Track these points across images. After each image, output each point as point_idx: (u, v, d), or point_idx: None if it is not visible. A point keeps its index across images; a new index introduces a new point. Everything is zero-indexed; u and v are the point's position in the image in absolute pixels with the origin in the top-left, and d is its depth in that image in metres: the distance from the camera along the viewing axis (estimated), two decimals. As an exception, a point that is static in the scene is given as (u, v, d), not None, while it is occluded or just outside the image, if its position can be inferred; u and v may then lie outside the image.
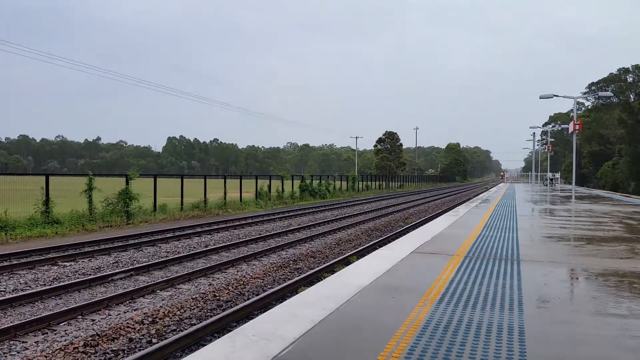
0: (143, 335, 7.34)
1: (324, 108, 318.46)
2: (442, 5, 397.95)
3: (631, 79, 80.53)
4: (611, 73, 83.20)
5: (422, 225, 20.38)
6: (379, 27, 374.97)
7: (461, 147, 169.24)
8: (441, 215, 20.54)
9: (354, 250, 14.24)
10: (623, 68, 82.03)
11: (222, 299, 9.44)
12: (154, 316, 8.16)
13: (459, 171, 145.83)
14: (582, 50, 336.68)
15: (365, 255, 13.87)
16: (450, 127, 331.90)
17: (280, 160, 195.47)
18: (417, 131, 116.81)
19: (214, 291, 9.84)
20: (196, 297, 9.36)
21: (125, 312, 8.43)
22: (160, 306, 8.73)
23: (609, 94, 50.14)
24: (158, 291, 9.87)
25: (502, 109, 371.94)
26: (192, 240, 16.52)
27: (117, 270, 11.30)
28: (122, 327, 7.53)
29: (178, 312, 8.45)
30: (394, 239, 16.98)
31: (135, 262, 12.86)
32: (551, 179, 52.51)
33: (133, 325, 7.70)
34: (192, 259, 13.20)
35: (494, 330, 4.04)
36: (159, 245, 15.56)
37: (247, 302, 8.61)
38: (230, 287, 10.19)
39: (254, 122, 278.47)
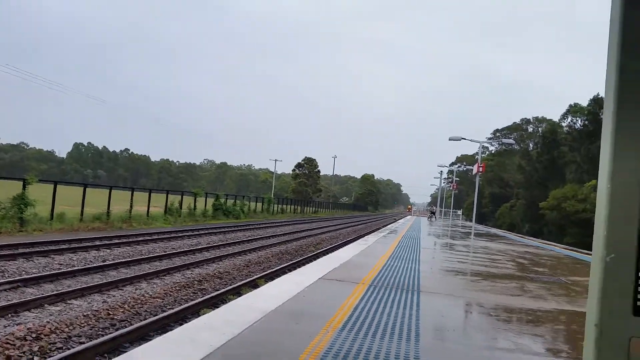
0: (24, 352, 6.67)
1: (245, 128, 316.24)
2: (368, 39, 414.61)
3: (531, 129, 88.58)
4: (515, 122, 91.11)
5: (332, 251, 20.64)
6: (303, 52, 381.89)
7: (375, 178, 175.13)
8: (352, 242, 20.96)
9: (263, 273, 14.06)
10: (525, 118, 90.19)
11: (116, 317, 8.85)
12: (39, 332, 7.45)
13: (372, 201, 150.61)
14: (494, 95, 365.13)
15: (274, 278, 13.76)
16: (367, 158, 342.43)
17: (196, 176, 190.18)
18: (335, 159, 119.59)
19: (108, 309, 9.21)
20: (88, 314, 8.70)
21: (5, 327, 7.64)
22: (47, 322, 8.01)
23: (511, 141, 54.62)
24: (46, 305, 9.06)
25: (415, 145, 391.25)
26: (89, 254, 15.46)
27: (1, 281, 10.28)
28: (1, 344, 6.80)
29: (66, 329, 7.79)
30: (304, 264, 17.02)
31: (23, 272, 11.78)
32: (432, 212, 57.41)
33: (13, 341, 6.97)
34: (87, 273, 12.32)
35: (391, 360, 4.11)
36: (52, 256, 14.39)
37: (143, 322, 8.15)
38: (126, 306, 9.59)
39: (171, 135, 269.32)
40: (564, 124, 68.14)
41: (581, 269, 13.63)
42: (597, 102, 56.65)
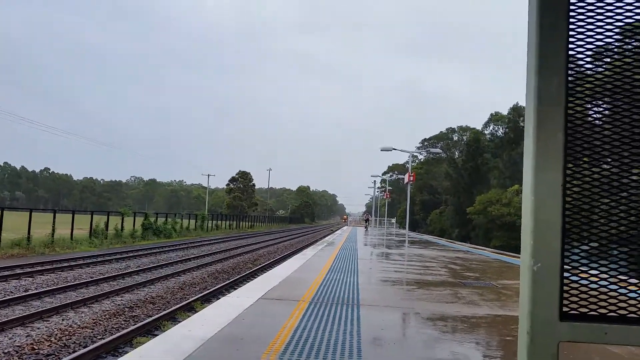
0: None
1: (175, 142, 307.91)
2: (296, 52, 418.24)
3: (456, 138, 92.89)
4: (441, 131, 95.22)
5: (271, 267, 20.46)
6: (233, 63, 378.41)
7: (311, 190, 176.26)
8: (290, 257, 20.89)
9: (199, 295, 13.65)
10: (451, 128, 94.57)
11: (42, 352, 8.26)
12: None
13: (308, 213, 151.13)
14: (421, 105, 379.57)
15: (212, 300, 13.43)
16: (302, 170, 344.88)
17: (122, 195, 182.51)
18: (269, 172, 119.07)
19: (32, 343, 8.58)
20: (9, 351, 8.05)
21: None
22: (-39, 365, 7.33)
23: (438, 150, 56.81)
24: (-40, 345, 8.30)
25: (349, 156, 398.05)
26: (9, 284, 14.34)
27: None
28: None
29: (-17, 372, 7.16)
30: (242, 283, 16.74)
31: None
32: (366, 220, 59.45)
33: None
34: (7, 305, 11.41)
35: (335, 381, 4.10)
36: (-35, 289, 13.21)
37: (72, 355, 7.64)
38: (52, 338, 8.98)
39: (93, 152, 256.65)
40: (486, 132, 72.07)
41: (509, 272, 14.35)
42: (516, 110, 60.48)
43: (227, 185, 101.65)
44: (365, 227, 55.38)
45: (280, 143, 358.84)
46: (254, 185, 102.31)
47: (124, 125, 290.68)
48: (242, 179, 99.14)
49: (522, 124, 56.46)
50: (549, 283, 1.13)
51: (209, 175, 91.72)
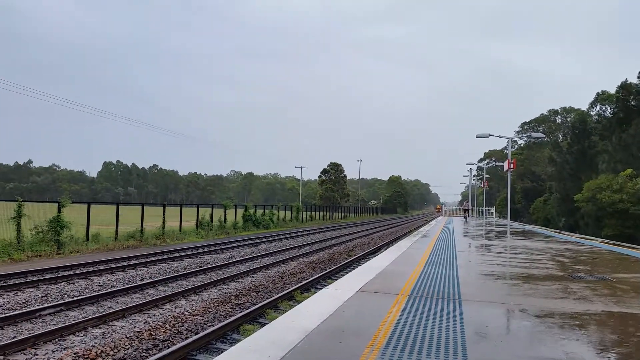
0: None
1: (269, 137, 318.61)
2: (382, 40, 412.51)
3: (559, 120, 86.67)
4: (542, 114, 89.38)
5: (366, 258, 20.56)
6: (315, 57, 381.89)
7: (402, 179, 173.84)
8: (385, 249, 20.83)
9: (298, 285, 14.06)
10: (553, 109, 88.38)
11: (158, 337, 8.98)
12: (86, 356, 7.63)
13: (400, 203, 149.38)
14: (516, 89, 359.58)
15: (310, 289, 13.78)
16: (393, 160, 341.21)
17: (223, 188, 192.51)
18: (360, 163, 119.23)
19: (149, 329, 9.36)
20: (131, 336, 8.85)
21: (54, 352, 7.85)
22: (93, 345, 8.20)
23: (541, 135, 53.30)
24: (90, 328, 9.30)
25: (441, 143, 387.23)
26: (126, 273, 15.76)
27: (45, 305, 10.58)
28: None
29: (111, 352, 7.94)
30: (338, 273, 16.99)
31: (65, 296, 12.11)
32: (465, 210, 52.67)
33: (61, 368, 7.16)
34: (126, 293, 12.57)
35: (440, 379, 4.03)
36: (91, 278, 14.74)
37: (186, 341, 8.23)
38: (167, 325, 9.73)
39: (196, 149, 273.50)
40: (592, 113, 66.36)
41: (625, 264, 13.18)
42: (625, 88, 54.97)
43: (319, 176, 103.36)
44: (465, 218, 51.48)
45: (372, 134, 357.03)
46: (345, 176, 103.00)
47: (219, 122, 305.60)
48: (334, 171, 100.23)
49: (633, 102, 51.27)
50: None
51: (301, 167, 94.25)
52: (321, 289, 10.99)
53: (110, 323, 9.76)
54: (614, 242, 24.41)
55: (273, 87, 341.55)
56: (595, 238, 28.82)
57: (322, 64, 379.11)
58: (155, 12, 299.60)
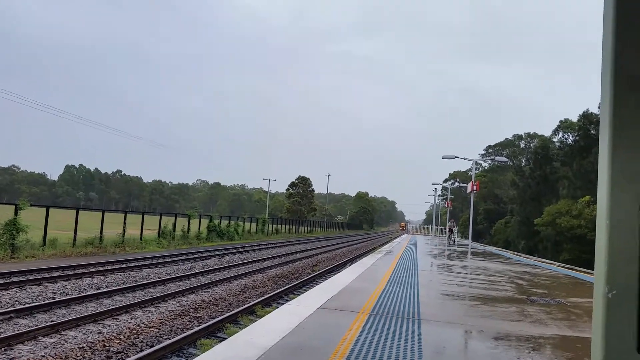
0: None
1: (237, 147, 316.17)
2: (351, 56, 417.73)
3: (523, 145, 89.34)
4: (507, 138, 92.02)
5: (330, 274, 20.52)
6: (290, 71, 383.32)
7: (369, 196, 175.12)
8: (349, 264, 20.86)
9: (259, 299, 13.88)
10: (517, 134, 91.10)
11: (112, 349, 8.68)
12: (31, 370, 7.29)
13: (367, 219, 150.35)
14: (483, 111, 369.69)
15: (271, 304, 13.63)
16: (360, 176, 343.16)
17: (189, 197, 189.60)
18: (329, 177, 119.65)
19: (103, 340, 9.04)
20: (83, 347, 8.53)
21: (-2, 363, 7.48)
22: (42, 355, 7.85)
23: (504, 159, 54.55)
24: (40, 337, 8.91)
25: (408, 162, 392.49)
26: (82, 281, 15.24)
27: (-8, 313, 10.09)
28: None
29: (61, 365, 7.62)
30: (300, 288, 16.88)
31: (16, 302, 11.61)
32: (450, 230, 41.00)
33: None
34: (81, 302, 12.14)
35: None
36: (46, 284, 14.18)
37: (140, 354, 7.97)
38: (122, 336, 9.42)
39: (162, 155, 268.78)
40: (555, 140, 68.72)
41: (580, 289, 13.58)
42: (587, 117, 57.23)
43: (287, 190, 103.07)
44: (450, 239, 39.44)
45: (340, 149, 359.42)
46: (313, 190, 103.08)
47: (187, 129, 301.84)
48: (302, 184, 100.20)
49: (593, 131, 53.35)
50: (626, 312, 1.04)
51: (269, 179, 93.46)
52: (283, 303, 10.88)
53: (63, 332, 9.39)
54: (571, 266, 25.15)
55: (246, 95, 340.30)
56: (553, 262, 29.64)
57: (293, 76, 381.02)
58: (123, 13, 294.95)
